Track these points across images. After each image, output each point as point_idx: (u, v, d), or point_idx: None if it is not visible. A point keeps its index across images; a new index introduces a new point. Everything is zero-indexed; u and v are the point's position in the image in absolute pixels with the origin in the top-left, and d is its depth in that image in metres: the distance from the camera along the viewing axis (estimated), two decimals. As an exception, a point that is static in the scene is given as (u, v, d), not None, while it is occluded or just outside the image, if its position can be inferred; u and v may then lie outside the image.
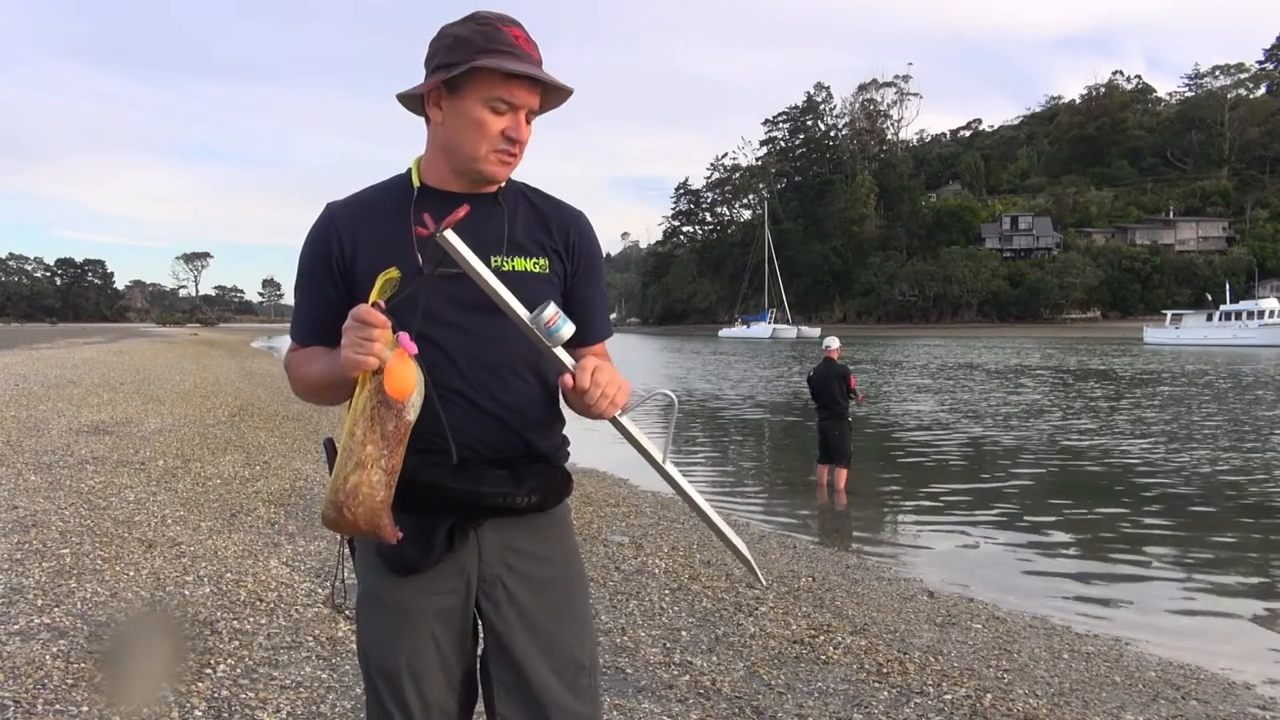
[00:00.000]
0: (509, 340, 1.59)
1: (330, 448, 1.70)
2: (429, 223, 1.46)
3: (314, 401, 1.71)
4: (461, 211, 1.47)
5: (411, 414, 1.48)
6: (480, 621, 1.67)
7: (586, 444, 1.78)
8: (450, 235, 1.47)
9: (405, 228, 1.59)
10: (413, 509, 1.55)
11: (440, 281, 1.55)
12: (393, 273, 1.49)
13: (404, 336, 1.46)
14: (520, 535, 1.65)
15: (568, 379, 1.53)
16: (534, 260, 1.65)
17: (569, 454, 1.76)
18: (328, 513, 1.48)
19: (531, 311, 1.51)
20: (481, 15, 1.60)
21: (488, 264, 1.55)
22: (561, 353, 1.53)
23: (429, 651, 1.61)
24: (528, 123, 1.61)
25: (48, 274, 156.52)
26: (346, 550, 1.73)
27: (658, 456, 1.63)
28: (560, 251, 1.69)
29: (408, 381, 1.45)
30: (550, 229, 1.70)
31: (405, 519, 1.53)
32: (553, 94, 1.64)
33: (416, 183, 1.65)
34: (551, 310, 1.50)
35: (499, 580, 1.63)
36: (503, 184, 1.66)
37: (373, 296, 1.48)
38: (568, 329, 1.50)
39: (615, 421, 1.59)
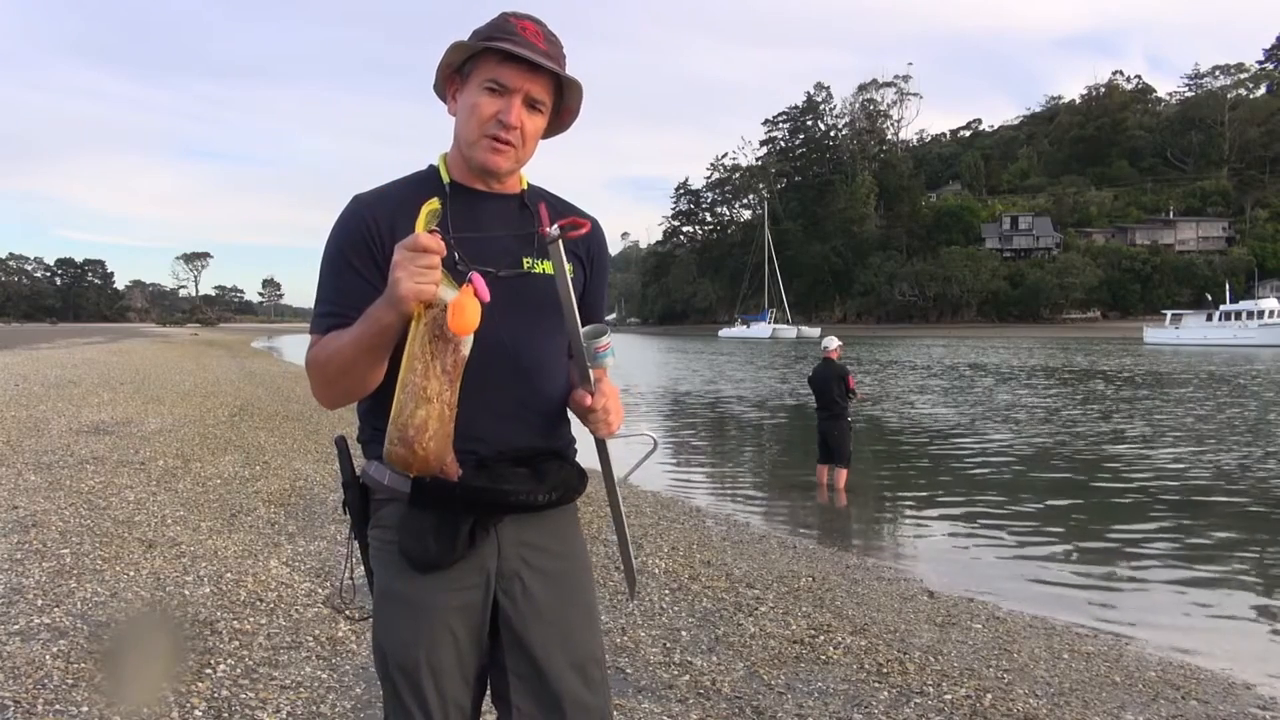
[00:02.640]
0: (538, 342, 1.64)
1: (342, 445, 1.71)
2: (545, 220, 1.58)
3: (339, 387, 1.57)
4: (584, 228, 1.58)
5: (466, 349, 1.48)
6: (497, 616, 1.67)
7: (586, 444, 1.81)
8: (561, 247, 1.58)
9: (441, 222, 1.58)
10: (435, 506, 1.56)
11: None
12: (434, 203, 1.46)
13: (477, 278, 1.44)
14: (536, 531, 1.67)
15: (585, 398, 1.61)
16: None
17: (576, 450, 1.78)
18: (397, 450, 1.47)
19: (587, 331, 1.59)
20: (504, 12, 1.62)
21: (519, 265, 1.63)
22: (593, 373, 1.62)
23: (448, 647, 1.61)
24: (535, 113, 1.61)
25: (48, 274, 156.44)
26: (356, 546, 1.72)
27: (617, 474, 1.72)
28: (580, 255, 1.74)
29: (473, 318, 1.42)
30: None
31: (427, 516, 1.56)
32: (567, 94, 1.64)
33: (447, 178, 1.65)
34: (606, 339, 1.59)
35: (516, 575, 1.65)
36: (502, 177, 1.65)
37: (419, 227, 1.43)
38: (610, 360, 1.61)
39: (600, 440, 1.69)
